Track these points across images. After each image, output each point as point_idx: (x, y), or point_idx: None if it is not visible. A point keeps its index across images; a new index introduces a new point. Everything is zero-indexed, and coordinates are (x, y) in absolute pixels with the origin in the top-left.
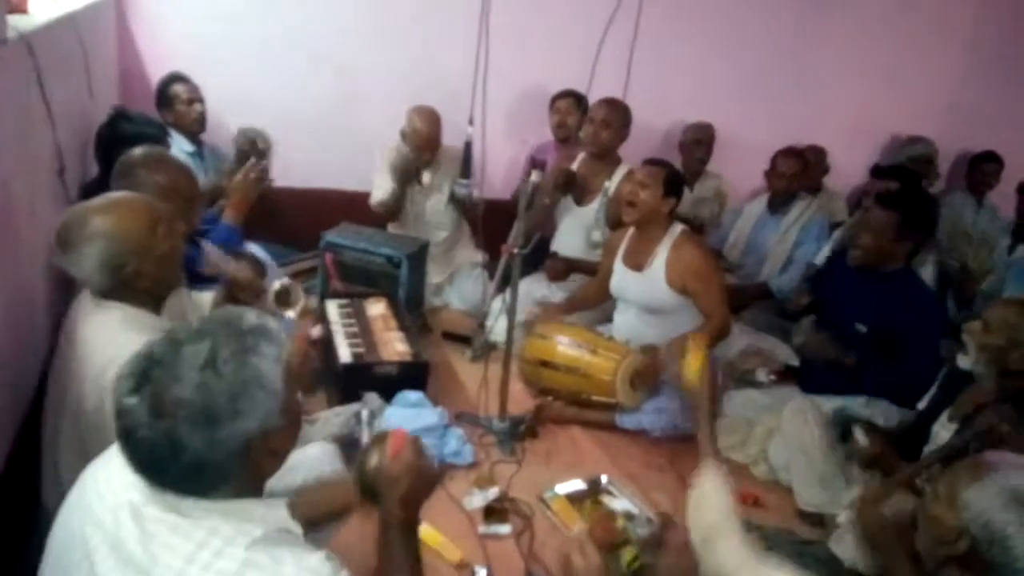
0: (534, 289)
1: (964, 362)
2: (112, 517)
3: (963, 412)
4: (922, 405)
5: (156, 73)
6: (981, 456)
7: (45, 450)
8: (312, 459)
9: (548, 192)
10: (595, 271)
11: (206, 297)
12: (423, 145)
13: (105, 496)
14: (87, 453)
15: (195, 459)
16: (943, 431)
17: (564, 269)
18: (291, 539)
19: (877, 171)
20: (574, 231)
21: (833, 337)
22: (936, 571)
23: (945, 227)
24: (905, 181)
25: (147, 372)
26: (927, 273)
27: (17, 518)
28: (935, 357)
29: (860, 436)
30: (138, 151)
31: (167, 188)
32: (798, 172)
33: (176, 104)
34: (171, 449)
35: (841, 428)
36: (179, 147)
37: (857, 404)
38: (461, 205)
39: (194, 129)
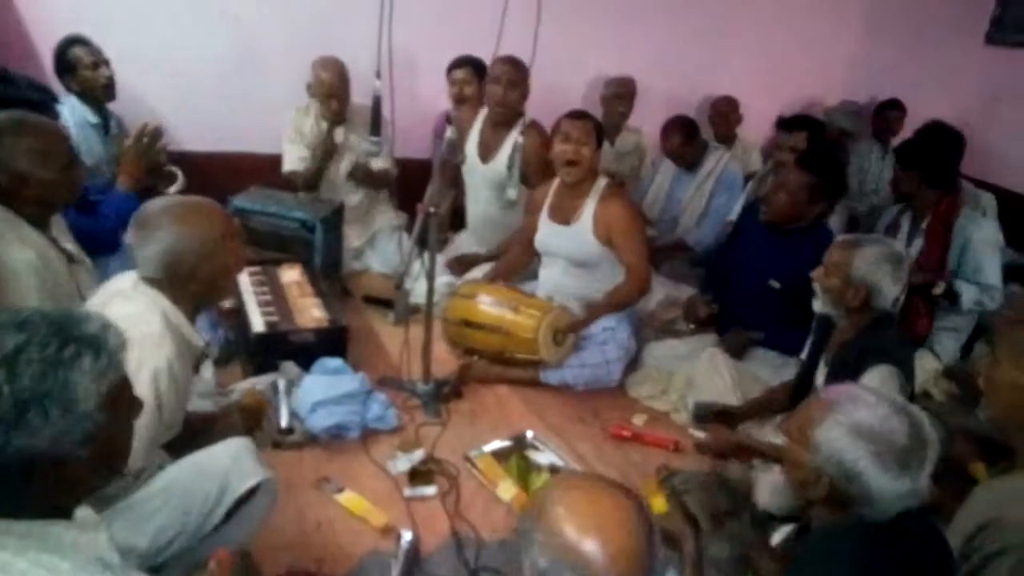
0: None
1: (816, 306)
2: None
3: (831, 355)
4: (804, 355)
5: (38, 36)
6: (821, 394)
7: None
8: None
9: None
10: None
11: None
12: (330, 95)
13: None
14: None
15: None
16: (821, 377)
17: (468, 264)
18: (108, 571)
19: (782, 123)
20: (484, 190)
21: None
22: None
23: (853, 174)
24: (811, 130)
25: None
26: (836, 220)
27: None
28: None
29: (700, 436)
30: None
31: (40, 153)
32: (683, 142)
33: (80, 69)
34: None
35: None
36: (82, 117)
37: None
38: (366, 177)
39: (102, 97)
